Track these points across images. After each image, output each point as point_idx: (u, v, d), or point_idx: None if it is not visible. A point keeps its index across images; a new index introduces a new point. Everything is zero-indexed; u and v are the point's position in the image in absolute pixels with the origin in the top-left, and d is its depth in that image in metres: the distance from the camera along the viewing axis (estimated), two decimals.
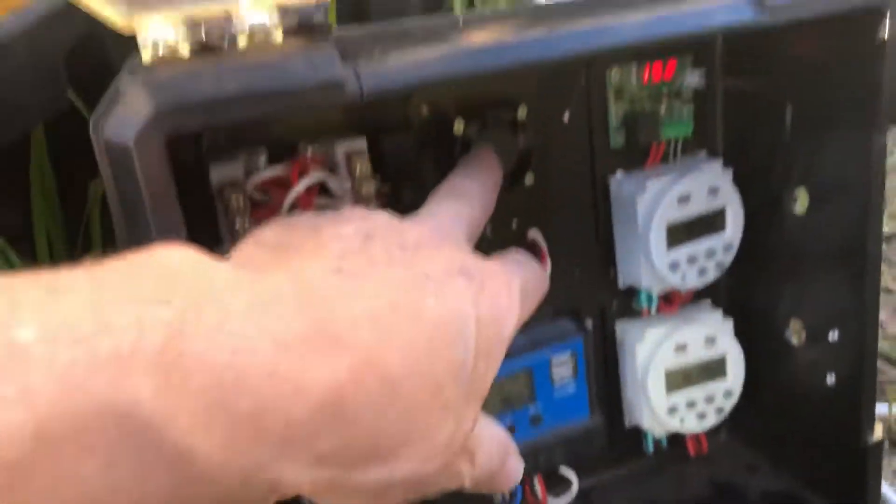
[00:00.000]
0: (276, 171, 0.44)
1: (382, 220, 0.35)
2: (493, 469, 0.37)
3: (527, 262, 0.41)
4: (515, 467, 0.38)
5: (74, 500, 0.21)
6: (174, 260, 0.26)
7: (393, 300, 0.30)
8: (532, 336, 0.55)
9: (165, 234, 0.34)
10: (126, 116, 0.34)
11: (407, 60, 0.37)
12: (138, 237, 0.35)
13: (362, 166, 0.45)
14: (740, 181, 0.55)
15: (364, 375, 0.27)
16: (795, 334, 0.56)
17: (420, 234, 0.35)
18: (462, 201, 0.40)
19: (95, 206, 0.47)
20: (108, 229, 0.49)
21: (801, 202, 0.53)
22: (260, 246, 0.33)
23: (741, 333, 0.58)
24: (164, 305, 0.23)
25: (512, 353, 0.54)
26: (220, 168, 0.43)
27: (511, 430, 0.55)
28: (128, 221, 0.35)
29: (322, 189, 0.45)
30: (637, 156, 0.56)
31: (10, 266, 0.41)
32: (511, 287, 0.35)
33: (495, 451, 0.37)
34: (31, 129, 0.41)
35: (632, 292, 0.58)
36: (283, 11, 0.35)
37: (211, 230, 0.44)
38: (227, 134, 0.46)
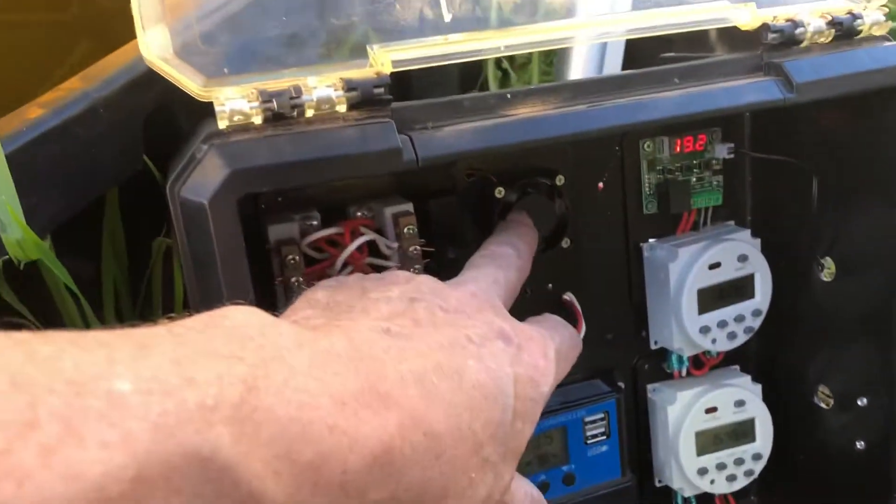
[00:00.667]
0: (330, 231, 0.47)
1: (426, 283, 0.38)
2: None
3: (562, 325, 0.43)
4: None
5: None
6: (242, 319, 0.28)
7: (437, 361, 0.32)
8: (566, 395, 0.57)
9: (234, 287, 0.37)
10: (202, 179, 0.37)
11: (458, 130, 0.40)
12: (208, 290, 0.38)
13: (409, 228, 0.47)
14: (769, 249, 0.57)
15: (411, 431, 0.29)
16: (824, 400, 0.57)
17: (460, 299, 0.37)
18: (500, 266, 0.43)
19: (158, 262, 0.50)
20: (168, 283, 0.52)
21: (828, 271, 0.55)
22: (313, 305, 0.36)
23: (770, 398, 0.60)
24: (238, 362, 0.26)
25: (546, 412, 0.55)
26: (277, 228, 0.46)
27: (545, 487, 0.56)
28: (198, 275, 0.38)
29: (371, 249, 0.48)
30: (669, 223, 0.58)
31: (81, 312, 0.44)
32: (547, 349, 0.38)
33: None
34: (108, 190, 0.44)
35: (663, 355, 0.60)
36: (347, 85, 0.38)
37: (266, 285, 0.46)
38: (283, 197, 0.49)
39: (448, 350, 0.33)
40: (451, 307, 0.36)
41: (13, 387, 0.20)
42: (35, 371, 0.21)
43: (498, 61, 0.88)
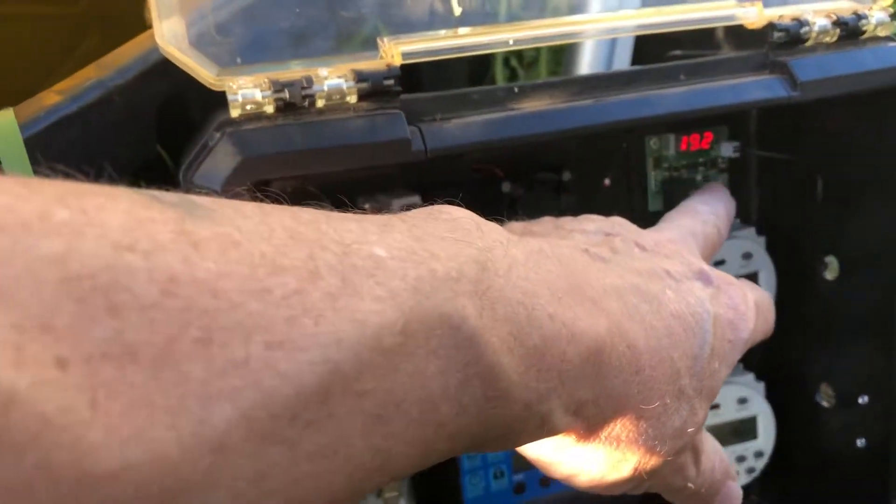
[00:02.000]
0: None
1: (621, 222, 0.39)
2: (715, 483, 0.39)
3: (761, 289, 0.43)
4: (735, 492, 0.41)
5: (418, 397, 0.23)
6: (459, 214, 0.29)
7: (635, 284, 0.33)
8: None
9: None
10: (214, 166, 0.37)
11: (466, 122, 0.40)
12: None
13: None
14: (773, 247, 0.58)
15: (617, 339, 0.30)
16: (826, 398, 0.58)
17: (658, 240, 0.38)
18: (696, 219, 0.43)
19: None
20: None
21: (831, 269, 0.55)
22: (512, 230, 0.36)
23: (773, 396, 0.60)
24: (468, 245, 0.27)
25: None
26: None
27: (546, 481, 0.56)
28: None
29: None
30: None
31: None
32: (747, 297, 0.38)
33: (718, 465, 0.39)
34: (121, 178, 0.45)
35: None
36: (358, 76, 0.39)
37: None
38: (293, 188, 0.50)
39: (646, 277, 0.33)
40: (648, 245, 0.37)
41: (293, 240, 0.21)
42: (306, 229, 0.22)
43: (506, 59, 0.89)
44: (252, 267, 0.20)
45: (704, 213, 0.44)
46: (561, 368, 0.28)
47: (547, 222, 0.39)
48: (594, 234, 0.36)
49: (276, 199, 0.25)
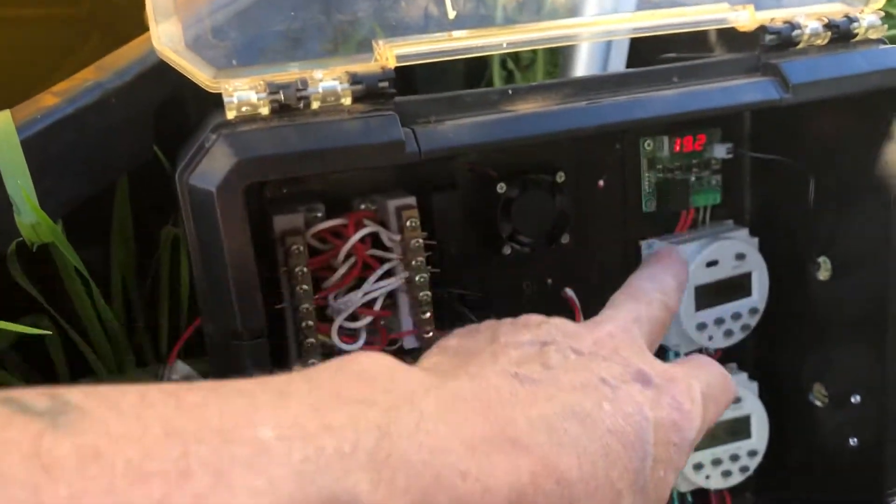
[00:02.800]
0: (334, 222, 0.48)
1: (558, 326, 0.37)
2: None
3: (710, 364, 0.40)
4: None
5: None
6: (371, 364, 0.29)
7: (569, 406, 0.31)
8: None
9: (240, 272, 0.38)
10: (210, 167, 0.38)
11: (459, 124, 0.41)
12: (215, 275, 0.39)
13: (412, 221, 0.48)
14: (766, 248, 0.58)
15: (543, 479, 0.29)
16: (819, 397, 0.58)
17: (596, 339, 0.36)
18: (641, 302, 0.41)
19: (165, 250, 0.51)
20: (175, 272, 0.53)
21: (824, 270, 0.56)
22: (444, 352, 0.36)
23: (766, 395, 0.60)
24: (370, 406, 0.26)
25: None
26: (282, 218, 0.47)
27: None
28: (205, 260, 0.39)
29: (374, 241, 0.49)
30: (667, 221, 0.59)
31: (90, 296, 0.45)
32: (692, 391, 0.35)
33: None
34: (118, 178, 0.46)
35: (660, 352, 0.61)
36: (353, 78, 0.39)
37: (270, 274, 0.47)
38: (289, 189, 0.50)
39: (580, 394, 0.32)
40: (585, 349, 0.35)
41: (166, 436, 0.21)
42: (185, 420, 0.22)
43: (503, 61, 0.89)
44: (112, 479, 0.20)
45: (650, 293, 0.42)
46: None
47: (485, 332, 0.37)
48: (529, 346, 0.35)
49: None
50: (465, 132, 0.40)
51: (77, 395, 0.21)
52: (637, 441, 0.32)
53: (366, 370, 0.28)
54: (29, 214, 0.35)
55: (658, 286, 0.43)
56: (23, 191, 0.34)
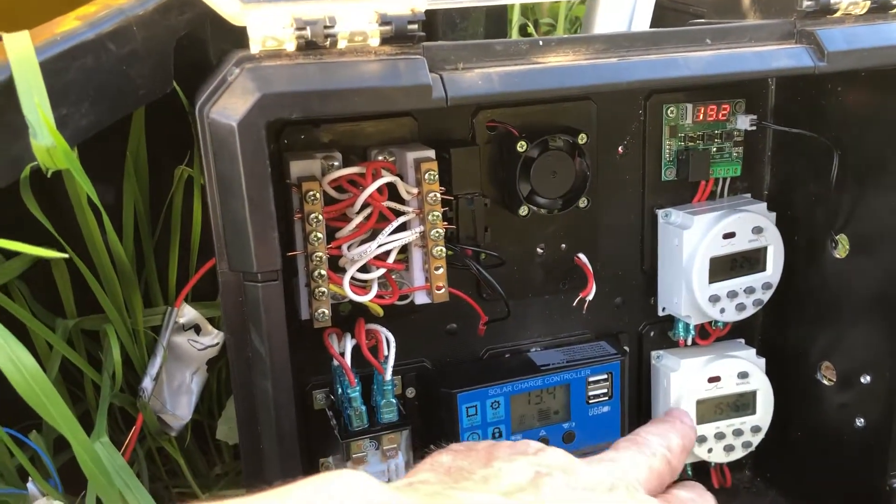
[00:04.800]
0: (352, 169, 0.47)
1: (556, 457, 0.36)
2: None
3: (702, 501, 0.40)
4: None
5: None
6: (346, 489, 0.28)
7: None
8: (572, 354, 0.57)
9: (257, 209, 0.37)
10: (232, 101, 0.37)
11: (488, 73, 0.40)
12: (232, 212, 0.38)
13: (430, 173, 0.48)
14: (783, 224, 0.57)
15: None
16: (826, 376, 0.58)
17: (593, 477, 0.35)
18: (643, 451, 0.40)
19: (179, 189, 0.51)
20: (187, 213, 0.53)
21: (842, 248, 0.55)
22: (435, 469, 0.35)
23: (772, 372, 0.60)
24: None
25: (551, 369, 0.56)
26: (299, 164, 0.46)
27: (544, 442, 0.56)
28: (223, 197, 0.38)
29: (391, 193, 0.48)
30: (685, 191, 0.58)
31: (101, 229, 0.44)
32: None
33: None
34: (136, 109, 0.45)
35: (670, 323, 0.61)
36: (382, 18, 0.38)
37: (285, 221, 0.46)
38: (306, 135, 0.49)
39: None
40: (580, 485, 0.34)
41: None
42: None
43: (523, 26, 0.88)
44: None
45: (654, 446, 0.41)
46: None
47: (481, 452, 0.36)
48: (523, 474, 0.34)
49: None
50: (493, 81, 0.39)
51: None
52: None
53: (339, 494, 0.27)
54: (45, 137, 0.34)
55: (665, 442, 0.41)
56: (39, 110, 0.33)
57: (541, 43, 0.41)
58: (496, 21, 0.80)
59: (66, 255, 0.37)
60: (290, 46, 0.37)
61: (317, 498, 0.27)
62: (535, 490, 0.33)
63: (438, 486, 0.32)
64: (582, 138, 0.53)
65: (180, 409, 0.53)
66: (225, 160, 0.37)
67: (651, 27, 0.68)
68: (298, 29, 0.37)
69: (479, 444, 0.37)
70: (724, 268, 0.56)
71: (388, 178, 0.47)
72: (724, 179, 0.59)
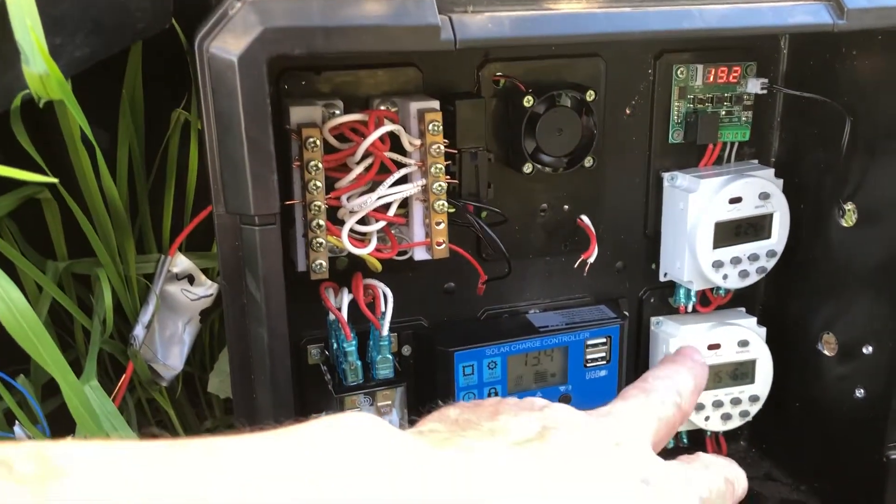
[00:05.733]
0: (354, 116, 0.46)
1: (563, 413, 0.35)
2: None
3: (715, 466, 0.39)
4: None
5: None
6: (357, 428, 0.28)
7: (562, 491, 0.30)
8: (571, 317, 0.56)
9: (256, 147, 0.36)
10: (233, 35, 0.36)
11: (498, 17, 0.39)
12: (231, 151, 0.37)
13: (434, 125, 0.46)
14: (790, 191, 0.56)
15: None
16: (828, 347, 0.57)
17: (598, 432, 0.35)
18: (652, 398, 0.39)
19: (175, 133, 0.49)
20: (182, 159, 0.51)
21: (849, 217, 0.54)
22: (443, 419, 0.35)
23: (773, 342, 0.59)
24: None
25: (549, 331, 0.55)
26: (300, 109, 0.45)
27: None
28: (221, 135, 0.37)
29: (393, 147, 0.47)
30: (692, 155, 0.57)
31: (94, 167, 0.43)
32: (688, 496, 0.35)
33: None
34: (132, 44, 0.43)
35: (671, 289, 0.60)
36: None
37: (284, 169, 0.45)
38: (307, 81, 0.48)
39: (577, 483, 0.31)
40: (586, 439, 0.34)
41: None
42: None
43: None
44: None
45: (662, 391, 0.39)
46: None
47: (488, 407, 0.36)
48: (529, 428, 0.33)
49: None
50: (504, 25, 0.38)
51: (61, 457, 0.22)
52: None
53: (350, 435, 0.28)
54: (38, 63, 0.32)
55: (674, 386, 0.40)
56: (32, 34, 0.31)
57: None
58: None
59: (55, 180, 0.36)
60: None
61: (327, 434, 0.27)
62: (541, 443, 0.32)
63: (447, 434, 0.32)
64: (590, 95, 0.52)
65: (172, 359, 0.52)
66: (224, 97, 0.36)
67: None
68: None
69: (486, 401, 0.37)
70: (728, 233, 0.55)
71: (390, 126, 0.46)
72: (732, 144, 0.57)
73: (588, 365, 0.56)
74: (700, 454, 0.39)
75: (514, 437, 0.33)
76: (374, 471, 0.27)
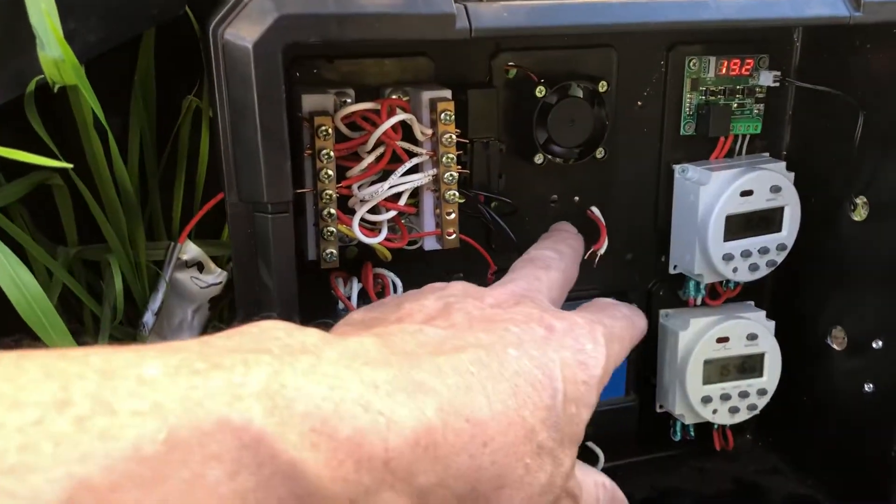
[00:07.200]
0: (366, 105, 0.45)
1: (460, 287, 0.38)
2: None
3: (614, 306, 0.42)
4: None
5: (202, 502, 0.23)
6: (269, 325, 0.29)
7: (474, 352, 0.32)
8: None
9: (269, 134, 0.36)
10: (248, 21, 0.36)
11: (514, 6, 0.38)
12: (244, 137, 0.37)
13: (446, 114, 0.46)
14: (801, 184, 0.56)
15: (452, 417, 0.29)
16: (837, 341, 0.57)
17: (498, 296, 0.38)
18: (539, 267, 0.43)
19: (187, 120, 0.49)
20: (193, 146, 0.51)
21: (859, 211, 0.54)
22: (349, 324, 0.37)
23: (782, 336, 0.59)
24: (264, 353, 0.26)
25: None
26: (312, 98, 0.45)
27: None
28: (235, 122, 0.37)
29: (405, 134, 0.47)
30: (704, 147, 0.57)
31: (107, 153, 0.43)
32: (594, 333, 0.37)
33: (602, 496, 0.39)
34: (146, 30, 0.43)
35: (680, 282, 0.60)
36: None
37: (295, 157, 0.45)
38: (319, 70, 0.48)
39: (486, 342, 0.33)
40: (488, 304, 0.37)
41: (46, 376, 0.22)
42: (66, 364, 0.22)
43: None
44: None
45: (547, 259, 0.44)
46: (386, 458, 0.27)
47: (391, 303, 0.38)
48: (433, 307, 0.36)
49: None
50: (519, 14, 0.38)
51: None
52: (545, 380, 0.33)
53: (263, 330, 0.28)
54: (54, 48, 0.32)
55: (555, 254, 0.45)
56: (48, 17, 0.31)
57: None
58: None
59: (70, 165, 0.36)
60: None
61: (241, 329, 0.28)
62: (447, 316, 0.35)
63: (354, 332, 0.33)
64: (602, 86, 0.52)
65: None
66: (238, 85, 0.36)
67: None
68: None
69: (387, 299, 0.40)
70: (739, 226, 0.55)
71: (403, 115, 0.46)
72: (744, 137, 0.57)
73: None
74: (596, 299, 0.43)
75: (420, 319, 0.35)
76: (290, 349, 0.27)
